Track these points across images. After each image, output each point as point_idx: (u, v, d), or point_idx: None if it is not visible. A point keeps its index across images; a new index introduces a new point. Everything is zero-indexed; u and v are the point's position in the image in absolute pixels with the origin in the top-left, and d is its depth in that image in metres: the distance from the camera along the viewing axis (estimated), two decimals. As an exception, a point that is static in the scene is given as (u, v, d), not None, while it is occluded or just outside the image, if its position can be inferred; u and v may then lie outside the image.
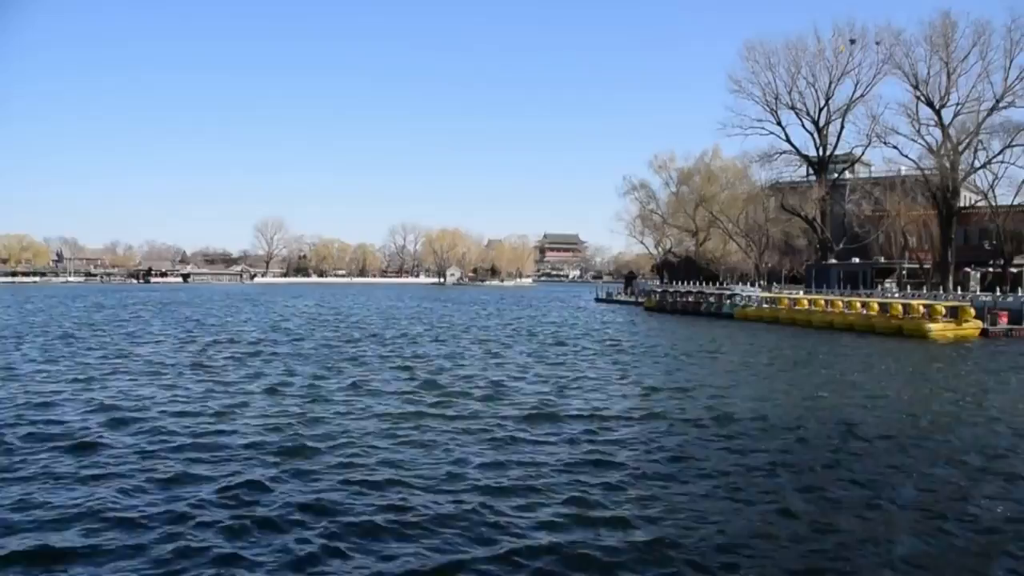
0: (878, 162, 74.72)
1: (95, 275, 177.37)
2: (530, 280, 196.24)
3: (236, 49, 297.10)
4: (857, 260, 64.90)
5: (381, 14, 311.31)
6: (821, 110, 68.99)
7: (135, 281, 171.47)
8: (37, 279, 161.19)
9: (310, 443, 13.39)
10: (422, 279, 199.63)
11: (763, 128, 71.52)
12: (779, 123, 71.02)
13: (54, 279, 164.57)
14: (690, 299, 61.26)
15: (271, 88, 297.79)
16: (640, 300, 73.10)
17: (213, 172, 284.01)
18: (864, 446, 13.91)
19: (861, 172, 75.34)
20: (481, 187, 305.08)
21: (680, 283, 72.87)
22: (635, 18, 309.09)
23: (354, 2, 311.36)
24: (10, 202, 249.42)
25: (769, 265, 76.79)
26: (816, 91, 69.07)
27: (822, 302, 48.32)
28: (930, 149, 58.71)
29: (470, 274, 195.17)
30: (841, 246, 68.22)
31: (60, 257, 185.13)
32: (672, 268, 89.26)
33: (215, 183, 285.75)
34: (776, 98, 70.03)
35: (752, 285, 66.90)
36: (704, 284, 69.49)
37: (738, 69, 72.96)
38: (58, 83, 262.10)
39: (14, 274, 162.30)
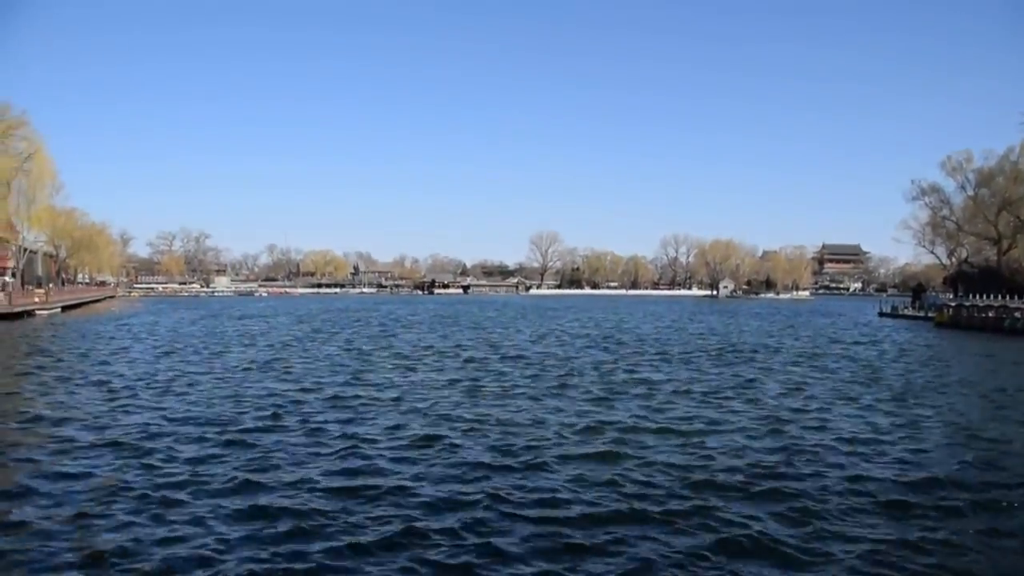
0: None
1: (385, 286, 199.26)
2: (807, 293, 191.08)
3: (511, 70, 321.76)
4: None
5: (646, 33, 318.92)
6: None
7: (420, 292, 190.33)
8: (337, 290, 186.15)
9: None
10: (694, 291, 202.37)
11: (1090, 117, 66.17)
12: (1111, 111, 65.11)
13: (351, 290, 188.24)
14: (990, 314, 59.56)
15: (544, 104, 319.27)
16: (930, 315, 71.47)
17: (491, 188, 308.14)
18: None
19: None
20: (755, 196, 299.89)
21: (978, 297, 70.08)
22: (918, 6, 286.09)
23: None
24: (317, 222, 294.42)
25: (1092, 276, 71.01)
26: None
27: None
28: None
29: (743, 287, 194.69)
30: None
31: (356, 270, 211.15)
32: (968, 280, 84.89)
33: (493, 199, 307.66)
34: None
35: (1069, 299, 63.02)
36: (1008, 298, 66.43)
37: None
38: (361, 112, 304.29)
39: (319, 286, 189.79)
